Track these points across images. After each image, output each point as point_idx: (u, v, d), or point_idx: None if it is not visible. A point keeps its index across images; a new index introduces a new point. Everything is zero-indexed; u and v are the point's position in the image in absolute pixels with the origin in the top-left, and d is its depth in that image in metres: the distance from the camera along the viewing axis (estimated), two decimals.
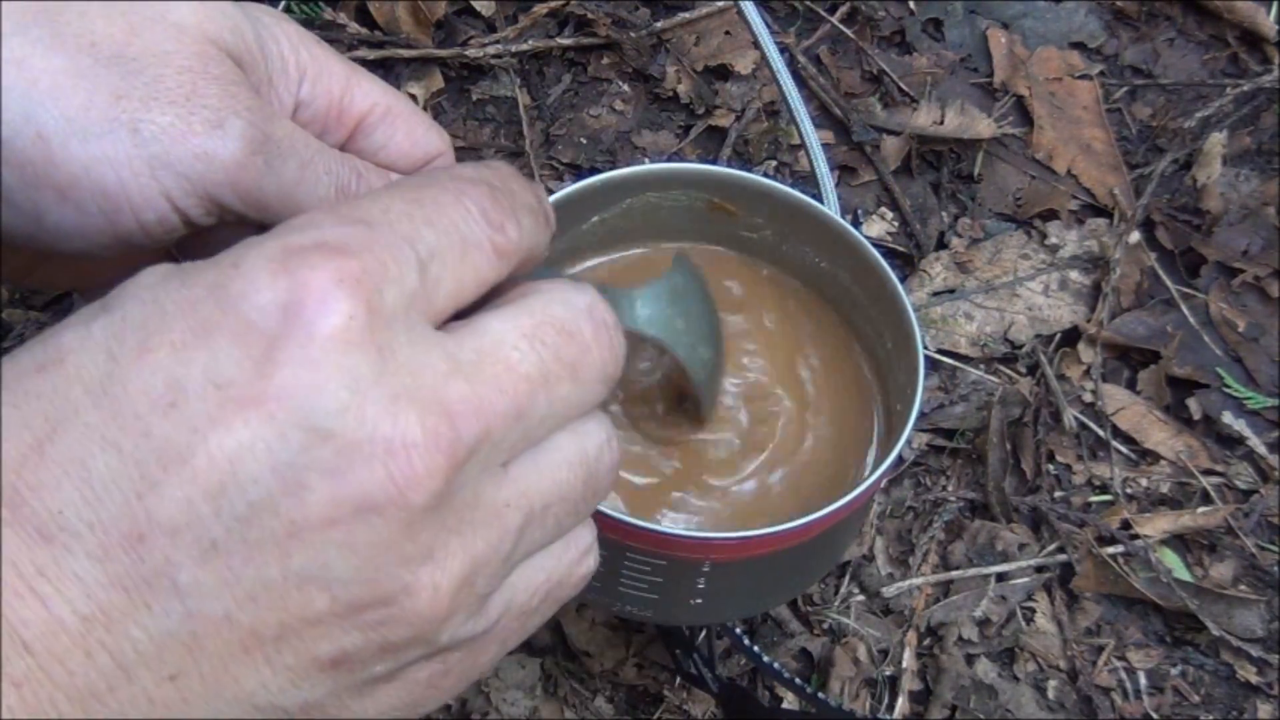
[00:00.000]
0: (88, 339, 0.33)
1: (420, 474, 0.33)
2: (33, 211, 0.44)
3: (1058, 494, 0.78)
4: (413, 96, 0.86)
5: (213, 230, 0.48)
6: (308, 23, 0.87)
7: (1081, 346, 0.82)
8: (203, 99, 0.44)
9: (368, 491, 0.32)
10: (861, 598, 0.74)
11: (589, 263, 0.62)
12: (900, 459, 0.77)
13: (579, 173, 0.85)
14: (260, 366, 0.32)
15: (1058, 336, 0.83)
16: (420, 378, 0.33)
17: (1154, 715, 0.73)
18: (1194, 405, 0.81)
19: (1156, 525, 0.77)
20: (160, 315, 0.33)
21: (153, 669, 0.32)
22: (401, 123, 0.53)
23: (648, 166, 0.59)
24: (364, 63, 0.85)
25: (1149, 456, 0.80)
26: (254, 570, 0.32)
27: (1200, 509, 0.78)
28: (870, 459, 0.59)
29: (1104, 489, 0.79)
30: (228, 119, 0.44)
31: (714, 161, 0.86)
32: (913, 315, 0.56)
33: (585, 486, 0.38)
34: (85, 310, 0.34)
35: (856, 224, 0.86)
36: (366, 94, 0.52)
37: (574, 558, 0.39)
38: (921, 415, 0.77)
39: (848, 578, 0.75)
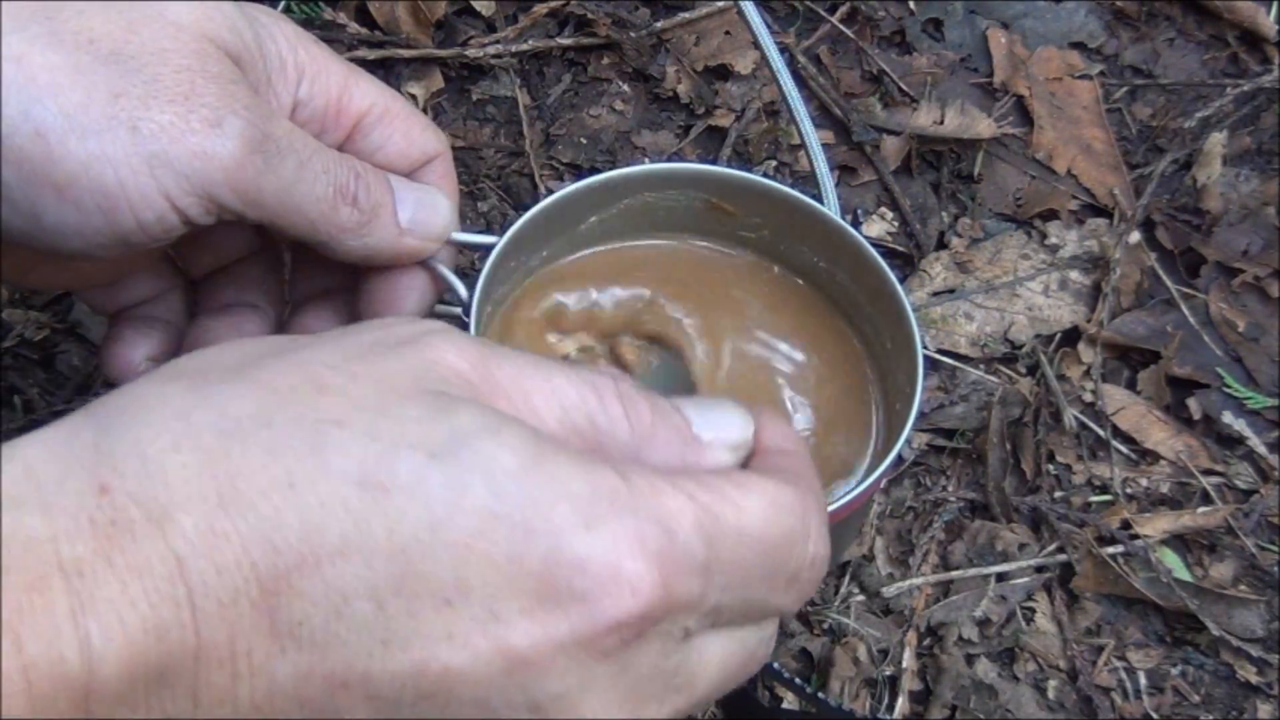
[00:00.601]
0: (419, 490, 0.34)
1: None
2: (31, 210, 0.43)
3: (1058, 494, 0.78)
4: (413, 96, 0.86)
5: (211, 230, 0.48)
6: (307, 22, 0.87)
7: (1081, 346, 0.82)
8: (201, 97, 0.44)
9: None
10: (861, 597, 0.74)
11: (583, 252, 0.62)
12: (900, 459, 0.77)
13: (579, 173, 0.85)
14: (533, 626, 0.34)
15: (1058, 336, 0.83)
16: (636, 692, 0.36)
17: (1154, 715, 0.72)
18: (1194, 405, 0.81)
19: (1156, 525, 0.77)
20: (493, 520, 0.34)
21: None
22: (399, 123, 0.52)
23: (645, 167, 0.59)
24: (364, 63, 0.85)
25: (1149, 456, 0.80)
26: None
27: (1200, 509, 0.78)
28: (870, 459, 0.59)
29: (1104, 489, 0.78)
30: (226, 118, 0.44)
31: (714, 161, 0.86)
32: (912, 314, 0.56)
33: (707, 688, 0.39)
34: (426, 431, 0.35)
35: (856, 224, 0.86)
36: (364, 94, 0.51)
37: None
38: (921, 415, 0.77)
39: (848, 577, 0.75)
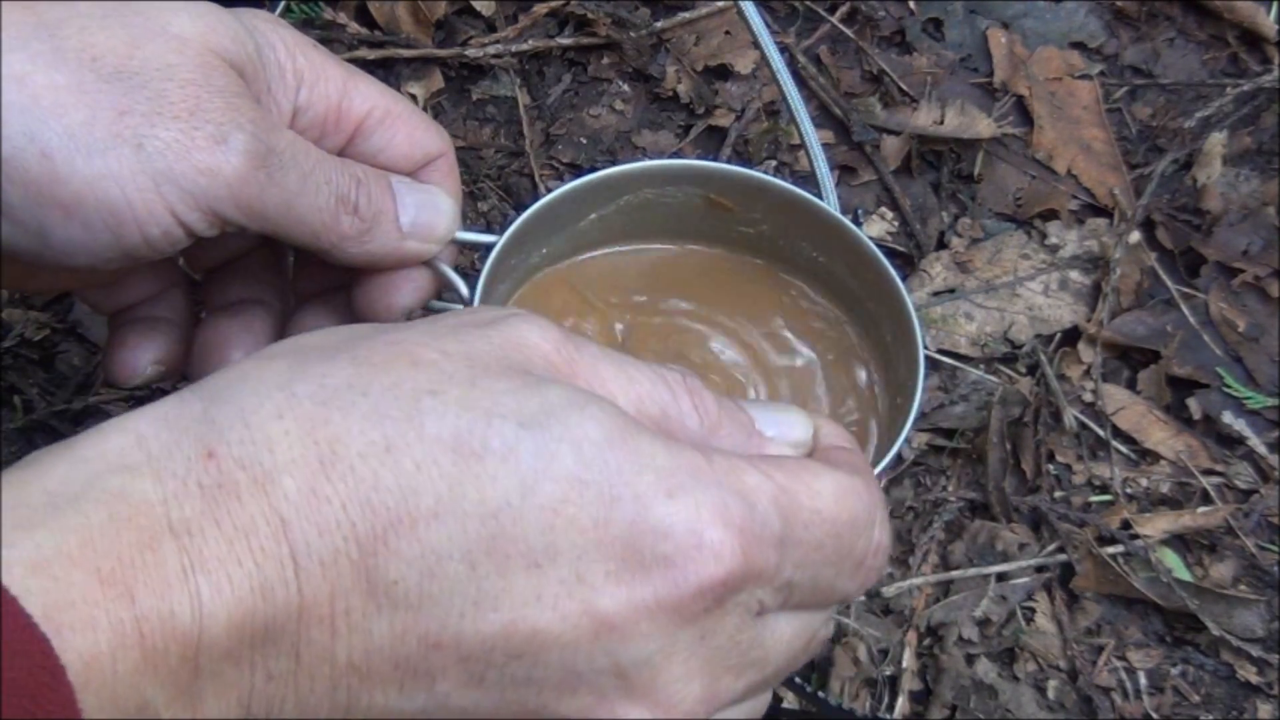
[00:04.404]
0: (510, 457, 0.35)
1: None
2: (39, 229, 0.44)
3: (1058, 494, 0.78)
4: (413, 96, 0.86)
5: (215, 240, 0.48)
6: (308, 22, 0.87)
7: (1081, 346, 0.82)
8: (206, 113, 0.44)
9: None
10: (861, 597, 0.74)
11: (586, 255, 0.62)
12: (900, 459, 0.77)
13: (579, 172, 0.85)
14: (618, 590, 0.35)
15: (1058, 336, 0.83)
16: (714, 663, 0.37)
17: (1154, 715, 0.72)
18: (1194, 405, 0.81)
19: (1156, 525, 0.77)
20: (581, 487, 0.36)
21: None
22: (401, 124, 0.52)
23: (644, 164, 0.59)
24: (364, 63, 0.85)
25: (1149, 456, 0.80)
26: (489, 717, 0.36)
27: (1200, 509, 0.78)
28: (869, 457, 0.59)
29: (1104, 489, 0.78)
30: (231, 134, 0.44)
31: (714, 161, 0.86)
32: (913, 309, 0.56)
33: (779, 666, 0.41)
34: (517, 401, 0.36)
35: (857, 223, 0.85)
36: (365, 97, 0.51)
37: None
38: (921, 415, 0.77)
39: None
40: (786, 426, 0.42)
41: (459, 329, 0.38)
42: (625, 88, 0.89)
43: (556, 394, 0.37)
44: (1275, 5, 0.95)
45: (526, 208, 0.56)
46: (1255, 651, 0.73)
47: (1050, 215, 0.87)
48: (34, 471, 0.34)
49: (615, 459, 0.36)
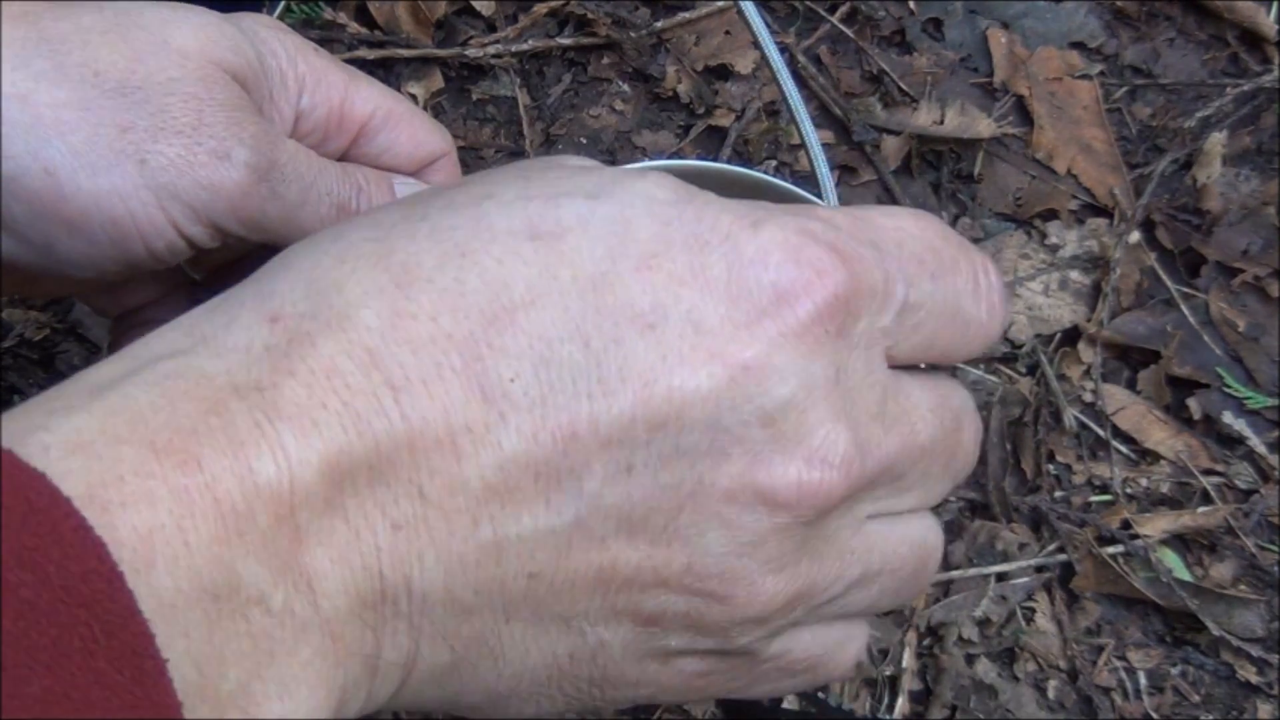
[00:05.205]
0: (589, 227, 0.34)
1: (822, 490, 0.34)
2: (43, 243, 0.44)
3: (1058, 494, 0.78)
4: (413, 96, 0.86)
5: (217, 250, 0.49)
6: (307, 23, 0.87)
7: (1081, 346, 0.82)
8: (209, 128, 0.44)
9: (775, 486, 0.34)
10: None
11: None
12: None
13: None
14: (738, 330, 0.33)
15: (1058, 336, 0.83)
16: (856, 407, 0.35)
17: (1154, 715, 0.72)
18: (1194, 405, 0.81)
19: (1156, 525, 0.77)
20: (667, 241, 0.34)
21: (520, 560, 0.33)
22: (404, 125, 0.53)
23: (645, 164, 0.59)
24: (364, 63, 0.85)
25: (1149, 456, 0.80)
26: (647, 510, 0.33)
27: (1200, 509, 0.78)
28: None
29: (1104, 489, 0.79)
30: (233, 149, 0.44)
31: (714, 160, 0.86)
32: None
33: (911, 574, 0.39)
34: (575, 182, 0.35)
35: None
36: (366, 99, 0.52)
37: (848, 648, 0.40)
38: None
39: None
40: None
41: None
42: (625, 88, 0.89)
43: (609, 172, 0.36)
44: (1275, 5, 0.95)
45: None
46: (1255, 651, 0.73)
47: (1050, 215, 0.87)
48: (77, 374, 0.31)
49: (690, 210, 0.34)
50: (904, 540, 0.38)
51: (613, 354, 0.33)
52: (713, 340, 0.33)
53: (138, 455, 0.28)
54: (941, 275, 0.37)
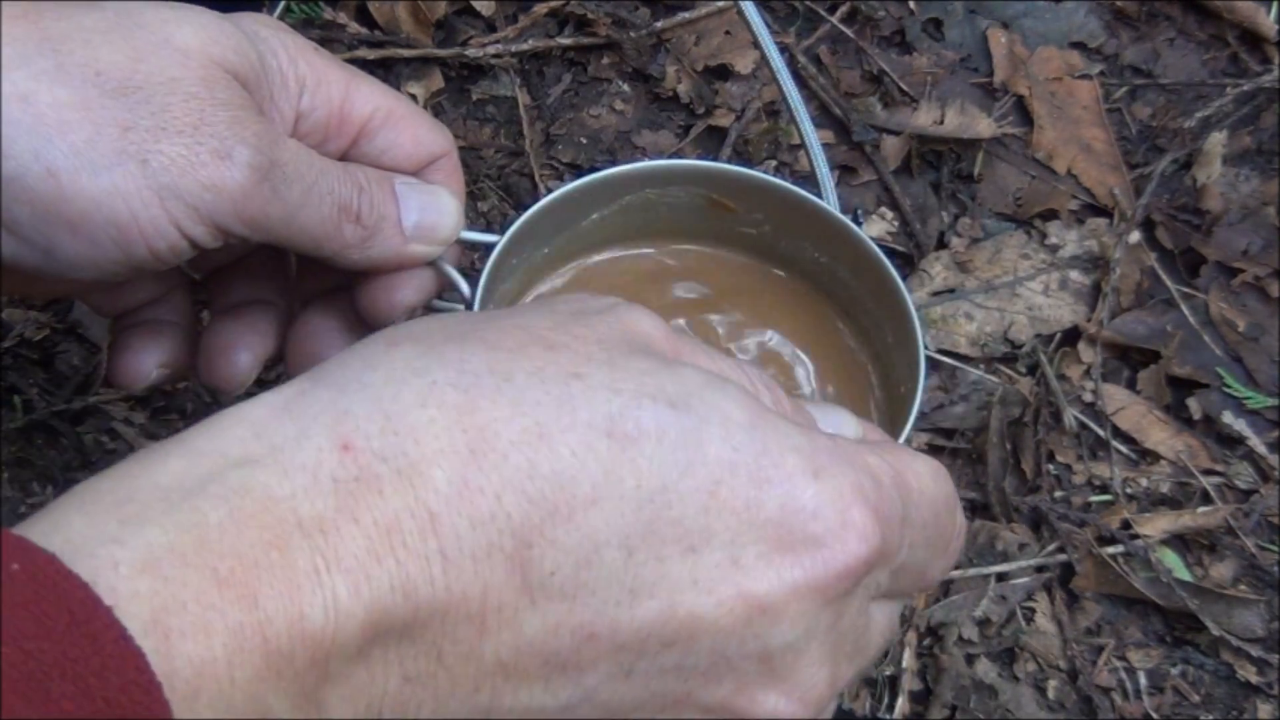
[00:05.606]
0: (665, 438, 0.35)
1: None
2: (45, 245, 0.44)
3: (1058, 494, 0.78)
4: (413, 96, 0.86)
5: (218, 246, 0.49)
6: (307, 22, 0.87)
7: (1081, 346, 0.82)
8: (210, 128, 0.44)
9: (751, 712, 0.36)
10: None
11: (591, 259, 0.62)
12: None
13: (579, 172, 0.85)
14: (768, 569, 0.35)
15: (1058, 336, 0.83)
16: (839, 650, 0.37)
17: (1154, 715, 0.72)
18: (1194, 405, 0.81)
19: (1156, 525, 0.77)
20: (732, 468, 0.35)
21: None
22: (404, 125, 0.53)
23: (646, 164, 0.59)
24: (364, 63, 0.85)
25: (1149, 456, 0.80)
26: (632, 708, 0.36)
27: (1200, 509, 0.78)
28: None
29: (1104, 489, 0.78)
30: (235, 148, 0.44)
31: (714, 161, 0.86)
32: (913, 308, 0.56)
33: (873, 655, 0.41)
34: (660, 382, 0.36)
35: (857, 223, 0.85)
36: (367, 99, 0.52)
37: None
38: (921, 415, 0.77)
39: None
40: (839, 424, 0.42)
41: (579, 314, 0.38)
42: (625, 88, 0.89)
43: (691, 374, 0.36)
44: (1275, 5, 0.95)
45: (527, 208, 0.56)
46: (1255, 651, 0.73)
47: (1050, 215, 0.87)
48: (143, 465, 0.32)
49: (760, 439, 0.35)
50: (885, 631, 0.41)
51: (650, 568, 0.34)
52: (744, 577, 0.35)
53: (201, 582, 0.30)
54: (930, 547, 0.40)
